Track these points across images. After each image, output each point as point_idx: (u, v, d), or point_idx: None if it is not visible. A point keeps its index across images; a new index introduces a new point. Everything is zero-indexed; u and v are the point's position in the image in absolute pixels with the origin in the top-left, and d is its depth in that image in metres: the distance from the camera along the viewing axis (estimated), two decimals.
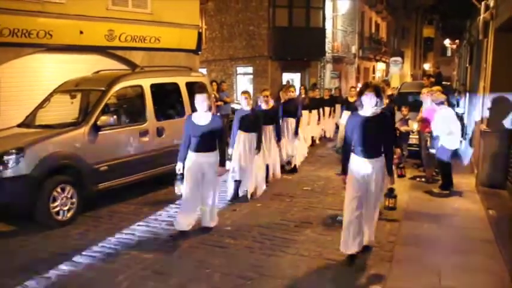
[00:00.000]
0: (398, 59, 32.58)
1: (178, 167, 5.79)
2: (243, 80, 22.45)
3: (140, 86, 7.59)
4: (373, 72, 32.23)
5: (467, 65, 15.22)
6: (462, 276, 4.49)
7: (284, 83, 19.67)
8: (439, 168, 7.98)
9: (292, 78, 21.40)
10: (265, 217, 6.46)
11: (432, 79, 11.91)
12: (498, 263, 4.77)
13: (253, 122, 7.36)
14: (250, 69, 22.01)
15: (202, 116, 5.68)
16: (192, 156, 5.69)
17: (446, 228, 5.88)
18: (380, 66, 34.57)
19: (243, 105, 7.51)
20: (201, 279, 4.49)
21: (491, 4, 7.58)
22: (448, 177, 7.62)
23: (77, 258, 5.10)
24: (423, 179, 8.45)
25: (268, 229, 5.95)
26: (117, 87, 7.22)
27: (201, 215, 5.92)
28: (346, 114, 11.68)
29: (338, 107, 14.74)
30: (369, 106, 4.70)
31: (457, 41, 23.48)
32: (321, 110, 13.11)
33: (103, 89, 7.11)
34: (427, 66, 46.31)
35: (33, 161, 5.94)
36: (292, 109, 9.18)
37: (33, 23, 9.95)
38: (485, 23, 8.21)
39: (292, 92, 9.42)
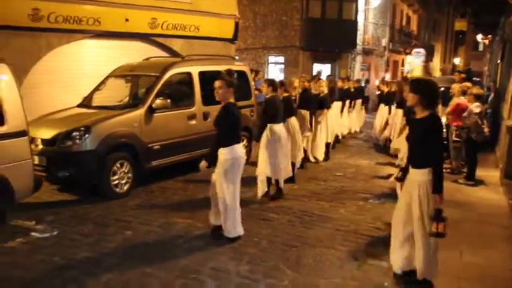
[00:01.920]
0: (421, 50, 31.03)
1: None
2: (275, 69, 23.00)
3: (189, 73, 8.26)
4: (402, 65, 32.23)
5: (498, 61, 15.41)
6: (480, 253, 5.07)
7: (314, 73, 20.15)
8: (466, 160, 8.43)
9: (322, 69, 21.80)
10: (303, 197, 7.11)
11: (463, 75, 12.25)
12: None
13: (274, 113, 6.88)
14: (281, 59, 22.54)
15: (221, 104, 5.25)
16: None
17: (469, 214, 6.43)
18: (409, 59, 34.48)
19: (263, 92, 7.37)
20: (251, 245, 5.17)
21: None
22: (473, 168, 8.10)
23: (137, 226, 5.81)
24: (448, 170, 8.92)
25: (306, 207, 6.61)
26: (169, 73, 7.89)
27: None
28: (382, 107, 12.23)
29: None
30: (411, 104, 4.18)
31: (489, 36, 23.48)
32: (346, 102, 12.60)
33: (157, 74, 7.81)
34: (457, 60, 45.90)
35: (98, 138, 6.69)
36: (308, 100, 8.84)
37: (83, 10, 10.61)
38: None
39: (303, 82, 9.06)
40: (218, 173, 5.16)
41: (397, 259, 4.30)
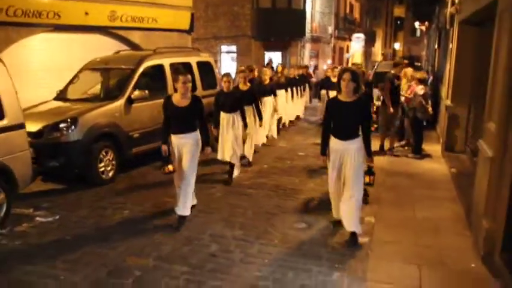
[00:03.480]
0: (360, 35, 31.80)
1: (164, 149, 5.65)
2: (227, 58, 23.63)
3: (162, 65, 8.82)
4: (347, 51, 33.70)
5: (436, 47, 16.84)
6: (430, 211, 6.11)
7: (266, 61, 20.96)
8: (414, 137, 9.50)
9: (273, 57, 22.64)
10: (274, 174, 7.94)
11: (406, 61, 13.46)
12: (456, 204, 6.41)
13: (235, 103, 7.46)
14: (234, 48, 23.19)
15: (182, 97, 5.51)
16: (173, 138, 5.65)
17: (419, 181, 7.52)
18: (352, 45, 36.03)
19: (224, 87, 7.52)
20: (238, 215, 5.95)
21: (456, 0, 9.07)
22: (420, 143, 9.23)
23: (131, 207, 6.37)
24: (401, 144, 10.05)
25: (279, 182, 7.45)
26: (143, 66, 8.40)
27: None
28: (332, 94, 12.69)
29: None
30: (345, 91, 4.92)
31: (426, 23, 25.16)
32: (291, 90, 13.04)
33: (132, 67, 8.32)
34: (397, 45, 48.28)
35: (84, 128, 7.15)
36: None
37: (43, 4, 10.72)
38: (451, 15, 9.73)
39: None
40: (190, 153, 5.56)
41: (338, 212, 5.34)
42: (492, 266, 4.35)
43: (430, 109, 9.05)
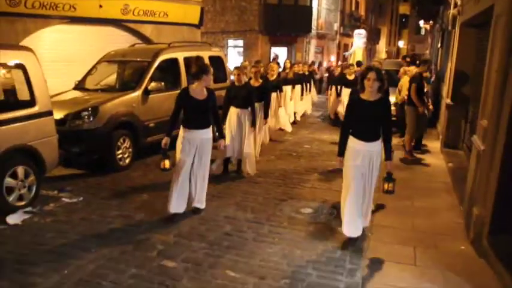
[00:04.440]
0: (362, 31, 31.97)
1: (165, 141, 5.57)
2: (233, 52, 24.05)
3: (176, 59, 9.27)
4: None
5: (439, 47, 17.21)
6: (427, 200, 6.58)
7: (272, 56, 21.40)
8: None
9: (279, 52, 23.05)
10: (281, 165, 8.42)
11: (408, 59, 13.88)
12: (452, 195, 6.87)
13: (247, 96, 7.42)
14: (240, 43, 23.62)
15: (201, 90, 5.53)
16: (186, 133, 5.60)
17: (418, 175, 7.98)
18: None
19: (235, 80, 7.59)
20: (250, 201, 6.44)
21: (459, 2, 9.49)
22: (420, 140, 9.68)
23: (149, 192, 6.83)
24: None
25: (286, 172, 7.93)
26: (159, 59, 8.87)
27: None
28: (346, 92, 11.58)
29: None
30: (370, 90, 4.71)
31: (430, 22, 25.45)
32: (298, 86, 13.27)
33: (149, 60, 8.78)
34: (401, 43, 48.52)
35: (104, 117, 7.63)
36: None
37: None
38: (453, 16, 10.15)
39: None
40: (205, 152, 5.66)
41: (359, 226, 4.97)
42: (480, 248, 4.82)
43: (431, 106, 9.48)
